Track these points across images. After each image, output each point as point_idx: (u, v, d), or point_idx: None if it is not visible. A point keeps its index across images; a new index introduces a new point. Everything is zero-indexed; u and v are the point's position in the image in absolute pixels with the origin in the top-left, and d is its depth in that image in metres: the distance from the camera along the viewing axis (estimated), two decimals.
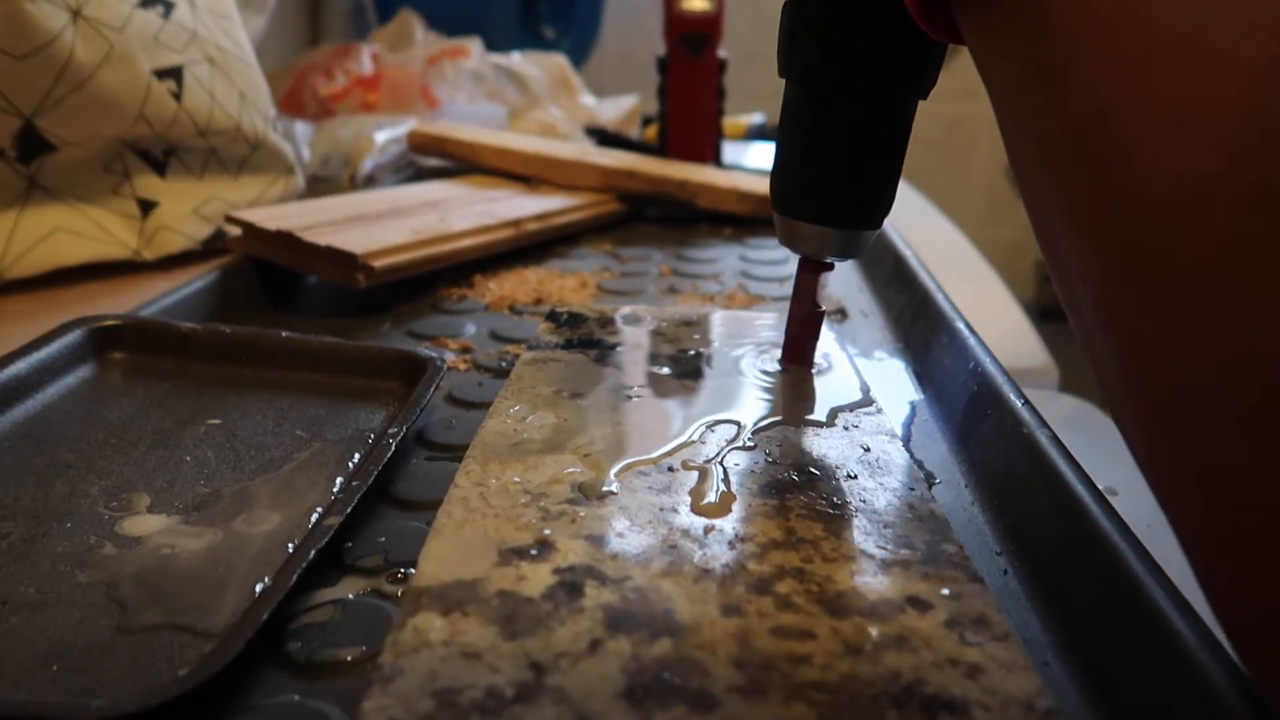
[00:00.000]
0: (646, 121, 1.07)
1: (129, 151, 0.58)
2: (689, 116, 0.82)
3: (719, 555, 0.26)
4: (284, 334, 0.40)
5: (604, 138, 0.94)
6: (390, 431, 0.33)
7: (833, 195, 0.35)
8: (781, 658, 0.22)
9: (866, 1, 0.31)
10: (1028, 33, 0.22)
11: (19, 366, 0.35)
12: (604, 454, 0.31)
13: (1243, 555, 0.18)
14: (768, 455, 0.32)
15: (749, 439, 0.33)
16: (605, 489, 0.29)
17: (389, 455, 0.31)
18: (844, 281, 0.58)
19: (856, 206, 0.35)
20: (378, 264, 0.50)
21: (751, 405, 0.36)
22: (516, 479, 0.29)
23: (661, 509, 0.28)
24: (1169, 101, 0.19)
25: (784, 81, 0.35)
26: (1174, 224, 0.19)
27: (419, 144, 0.81)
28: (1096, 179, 0.21)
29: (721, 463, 0.31)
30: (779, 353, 0.40)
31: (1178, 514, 0.20)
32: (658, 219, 0.73)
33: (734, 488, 0.29)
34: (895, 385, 0.43)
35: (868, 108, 0.33)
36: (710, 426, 0.34)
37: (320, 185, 0.79)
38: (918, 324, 0.47)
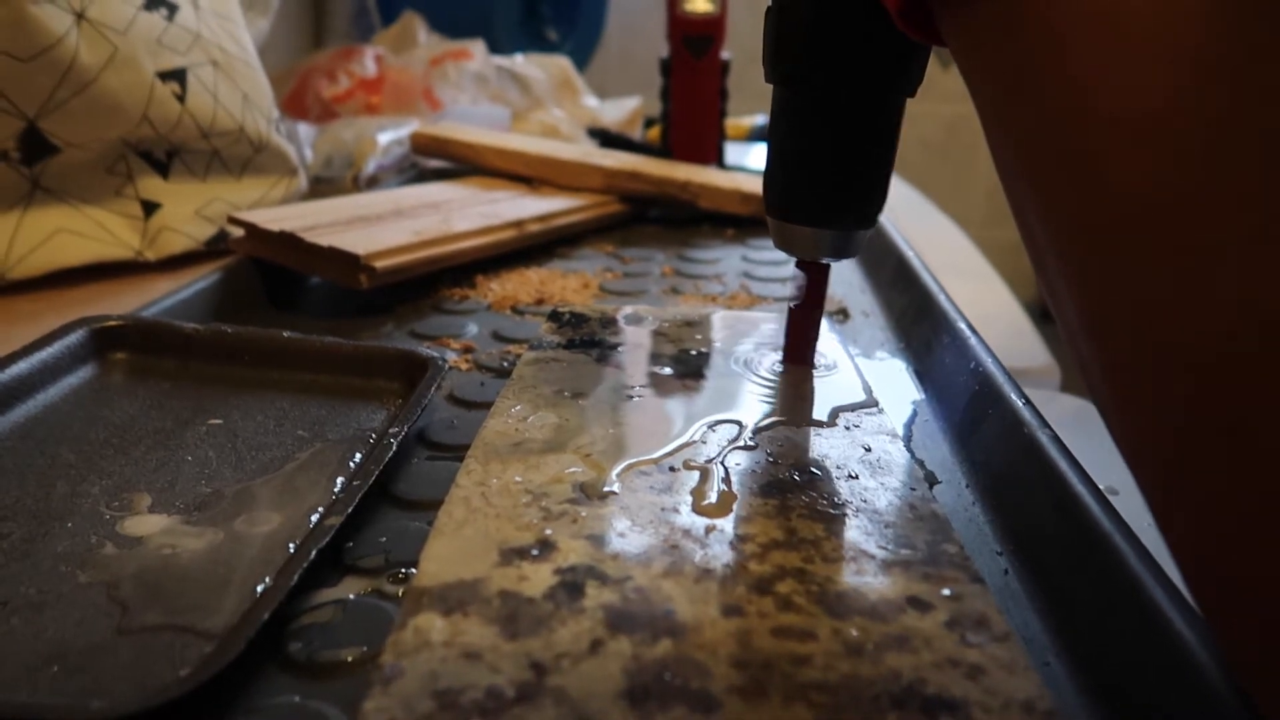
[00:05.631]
0: (649, 123, 1.07)
1: (132, 153, 0.58)
2: (691, 118, 0.82)
3: (720, 555, 0.26)
4: (286, 334, 0.40)
5: (606, 139, 0.94)
6: (391, 431, 0.33)
7: (824, 197, 0.35)
8: (782, 658, 0.22)
9: (849, 5, 0.31)
10: (1003, 38, 0.22)
11: (21, 366, 0.35)
12: (605, 454, 0.31)
13: (1228, 558, 0.18)
14: (769, 455, 0.32)
15: (750, 439, 0.33)
16: (606, 489, 0.29)
17: (390, 455, 0.31)
18: (845, 282, 0.58)
19: (849, 207, 0.35)
20: (380, 265, 0.50)
21: (753, 405, 0.36)
22: (518, 479, 0.29)
23: (663, 509, 0.28)
24: (1137, 106, 0.19)
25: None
26: (1147, 230, 0.19)
27: (422, 145, 0.81)
28: (1072, 185, 0.21)
29: (723, 463, 0.31)
30: (780, 353, 0.40)
31: (1165, 519, 0.20)
32: (659, 220, 0.73)
33: (735, 488, 0.29)
34: (896, 385, 0.43)
35: (855, 109, 0.33)
36: (711, 426, 0.34)
37: (323, 186, 0.79)
38: (919, 324, 0.47)
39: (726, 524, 0.27)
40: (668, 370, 0.39)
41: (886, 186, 0.35)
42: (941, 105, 1.78)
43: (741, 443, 0.32)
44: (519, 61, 1.11)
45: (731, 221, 0.72)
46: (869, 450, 0.32)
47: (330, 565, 0.28)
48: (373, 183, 0.81)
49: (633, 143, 0.92)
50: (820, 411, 0.35)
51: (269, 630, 0.24)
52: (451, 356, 0.44)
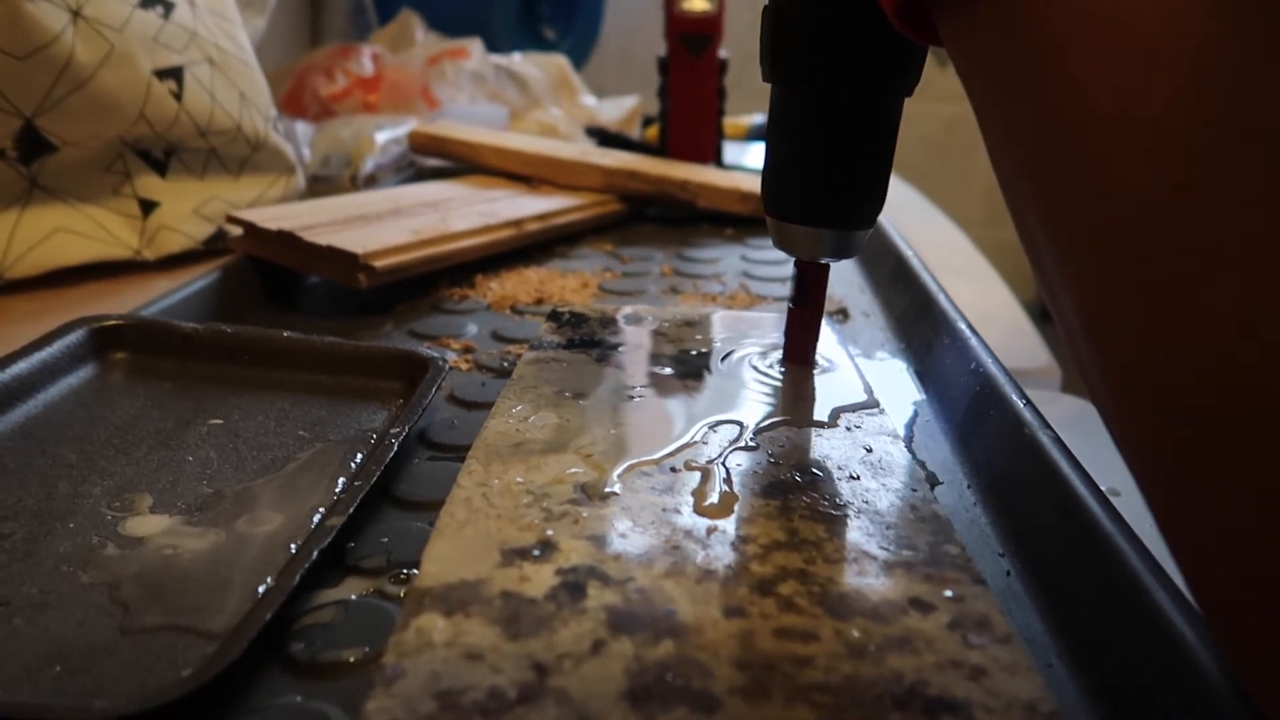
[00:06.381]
0: (647, 122, 1.07)
1: (130, 152, 0.58)
2: (690, 117, 0.82)
3: (721, 556, 0.26)
4: (285, 334, 0.40)
5: (605, 138, 0.94)
6: (393, 432, 0.33)
7: (823, 196, 0.35)
8: (784, 659, 0.22)
9: (846, 5, 0.31)
10: (1002, 38, 0.22)
11: (21, 366, 0.35)
12: (606, 454, 0.31)
13: (1228, 558, 0.18)
14: (770, 456, 0.32)
15: (751, 439, 0.33)
16: (608, 489, 0.29)
17: (391, 455, 0.31)
18: (846, 282, 0.58)
19: (847, 206, 0.35)
20: (379, 264, 0.50)
21: (753, 406, 0.36)
22: (519, 479, 0.29)
23: (664, 510, 0.28)
24: (1137, 106, 0.19)
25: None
26: (1147, 231, 0.19)
27: (420, 144, 0.81)
28: (1072, 185, 0.21)
29: (724, 463, 0.31)
30: (781, 353, 0.40)
31: (1165, 520, 0.20)
32: (658, 219, 0.73)
33: (736, 488, 0.29)
34: (897, 386, 0.43)
35: (852, 109, 0.33)
36: (712, 427, 0.34)
37: (321, 185, 0.79)
38: (919, 324, 0.47)
39: (728, 525, 0.27)
40: (668, 370, 0.39)
41: (885, 186, 0.35)
42: (940, 105, 1.78)
43: (743, 443, 0.32)
44: (517, 60, 1.11)
45: (730, 221, 0.72)
46: (870, 451, 0.32)
47: (332, 566, 0.28)
48: (370, 181, 0.80)
49: (631, 142, 0.92)
50: (821, 412, 0.35)
51: (271, 631, 0.24)
52: (451, 356, 0.44)
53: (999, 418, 0.34)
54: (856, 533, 0.27)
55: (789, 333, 0.40)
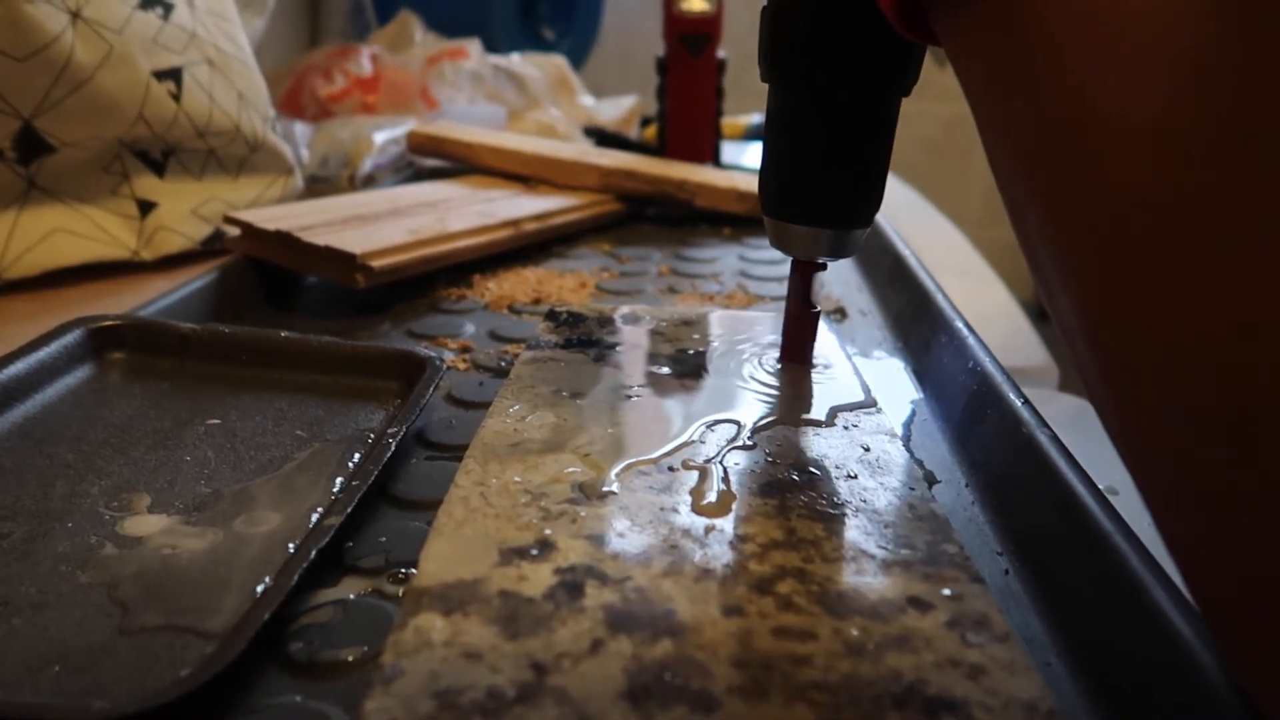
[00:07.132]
0: (645, 122, 1.07)
1: (128, 152, 0.58)
2: (688, 117, 0.82)
3: (720, 555, 0.26)
4: (283, 334, 0.40)
5: (603, 138, 0.94)
6: (390, 431, 0.33)
7: (821, 196, 0.35)
8: (783, 658, 0.22)
9: (844, 5, 0.31)
10: (1001, 38, 0.22)
11: (19, 366, 0.35)
12: (604, 454, 0.31)
13: (1228, 558, 0.18)
14: (768, 455, 0.32)
15: (749, 439, 0.33)
16: (605, 489, 0.29)
17: (389, 455, 0.31)
18: (843, 281, 0.58)
19: (845, 206, 0.35)
20: (376, 264, 0.50)
21: (751, 405, 0.36)
22: (517, 479, 0.29)
23: (662, 509, 0.28)
24: (1137, 106, 0.19)
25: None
26: (1147, 231, 0.19)
27: (418, 145, 0.81)
28: (1071, 185, 0.21)
29: (721, 462, 0.31)
30: (778, 352, 0.40)
31: (1164, 519, 0.20)
32: (656, 219, 0.73)
33: (734, 487, 0.29)
34: (895, 385, 0.43)
35: (850, 109, 0.33)
36: (710, 426, 0.34)
37: (319, 186, 0.79)
38: (917, 323, 0.47)
39: (726, 524, 0.27)
40: (665, 370, 0.39)
41: (883, 186, 0.35)
42: (939, 104, 1.78)
43: (740, 442, 0.32)
44: (515, 60, 1.11)
45: (728, 220, 0.72)
46: (868, 450, 0.32)
47: (330, 565, 0.28)
48: (369, 182, 0.80)
49: (629, 141, 0.92)
50: (819, 411, 0.35)
51: (269, 630, 0.24)
52: (449, 356, 0.44)
53: (997, 416, 0.34)
54: (854, 531, 0.27)
55: (786, 332, 0.40)
